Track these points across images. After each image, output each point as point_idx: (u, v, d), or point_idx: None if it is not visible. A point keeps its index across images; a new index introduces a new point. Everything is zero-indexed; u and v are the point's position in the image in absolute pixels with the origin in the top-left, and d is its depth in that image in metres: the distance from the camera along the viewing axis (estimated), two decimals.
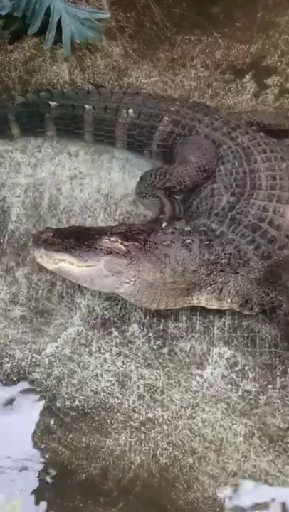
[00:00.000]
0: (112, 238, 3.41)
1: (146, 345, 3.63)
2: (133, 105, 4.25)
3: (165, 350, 3.62)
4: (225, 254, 3.50)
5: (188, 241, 3.49)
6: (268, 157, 3.88)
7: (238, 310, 3.60)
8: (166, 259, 3.44)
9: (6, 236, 4.00)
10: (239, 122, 4.20)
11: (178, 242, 3.48)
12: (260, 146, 3.96)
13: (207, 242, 3.50)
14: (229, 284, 3.51)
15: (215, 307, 3.61)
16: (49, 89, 4.45)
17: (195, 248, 3.48)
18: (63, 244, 3.44)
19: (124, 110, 4.23)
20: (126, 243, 3.42)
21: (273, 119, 4.40)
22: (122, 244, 3.41)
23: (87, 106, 4.26)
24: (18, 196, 4.16)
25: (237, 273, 3.51)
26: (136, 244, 3.43)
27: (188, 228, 3.59)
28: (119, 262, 3.39)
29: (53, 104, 4.27)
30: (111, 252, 3.40)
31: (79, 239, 3.45)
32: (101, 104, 4.28)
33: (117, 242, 3.41)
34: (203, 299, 3.56)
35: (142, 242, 3.45)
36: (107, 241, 3.41)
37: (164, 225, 3.71)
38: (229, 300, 3.55)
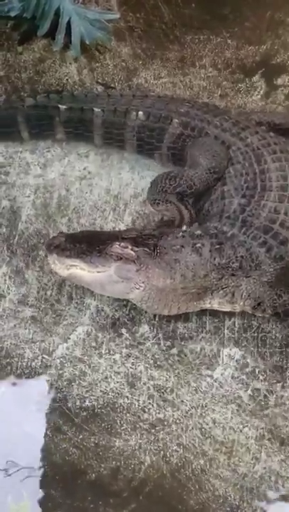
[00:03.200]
0: (123, 244, 3.38)
1: (156, 346, 3.62)
2: (142, 107, 4.23)
3: (175, 351, 3.61)
4: (236, 257, 3.46)
5: (199, 245, 3.45)
6: (278, 157, 3.85)
7: (250, 312, 3.58)
8: (176, 265, 3.40)
9: (17, 237, 4.01)
10: (249, 123, 4.17)
11: (188, 247, 3.44)
12: (269, 146, 3.93)
13: (218, 246, 3.46)
14: (241, 287, 3.48)
15: (227, 310, 3.59)
16: (58, 90, 4.44)
17: (206, 252, 3.44)
18: (75, 249, 3.41)
19: (134, 112, 4.22)
20: (136, 249, 3.39)
21: (284, 119, 4.38)
22: (131, 249, 3.38)
23: (96, 109, 4.25)
24: (28, 196, 4.18)
25: (249, 276, 3.47)
26: (145, 249, 3.40)
27: (198, 232, 3.53)
28: (129, 268, 3.37)
29: (62, 107, 4.26)
30: (121, 258, 3.37)
31: (91, 244, 3.42)
32: (110, 106, 4.26)
33: (127, 247, 3.38)
34: (215, 303, 3.54)
35: (152, 248, 3.41)
36: (117, 247, 3.38)
37: (184, 228, 3.62)
38: (241, 303, 3.53)
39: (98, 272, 3.39)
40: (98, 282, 3.43)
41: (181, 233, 3.51)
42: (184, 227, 3.63)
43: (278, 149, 3.91)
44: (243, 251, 3.47)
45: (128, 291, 3.42)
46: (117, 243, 3.38)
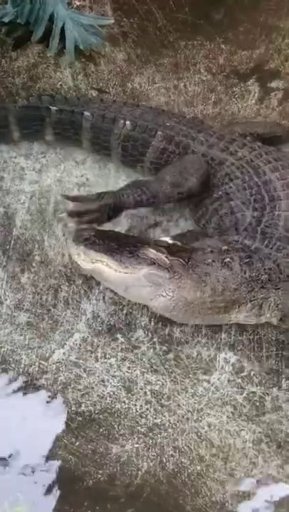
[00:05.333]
0: (158, 249, 3.36)
1: (152, 350, 3.62)
2: (131, 117, 4.21)
3: (171, 355, 3.61)
4: (265, 269, 3.44)
5: (228, 259, 3.42)
6: (275, 166, 3.84)
7: (275, 324, 3.57)
8: (207, 278, 3.36)
9: (12, 242, 4.00)
10: (234, 136, 4.15)
11: (218, 262, 3.40)
12: (262, 157, 3.92)
13: (247, 260, 3.44)
14: (270, 299, 3.46)
15: (252, 323, 3.58)
16: (52, 94, 4.45)
17: (236, 266, 3.41)
18: (105, 245, 3.38)
19: (122, 121, 4.20)
20: (170, 257, 3.36)
21: (266, 128, 4.37)
22: (166, 257, 3.35)
23: (86, 112, 4.24)
24: (23, 203, 4.17)
25: (278, 288, 3.45)
26: (180, 260, 3.36)
27: (225, 247, 3.49)
28: (161, 275, 3.33)
29: (53, 108, 4.27)
30: (154, 263, 3.34)
31: (121, 243, 3.41)
32: (100, 112, 4.25)
33: (163, 254, 3.35)
34: (241, 316, 3.51)
35: (186, 260, 3.38)
36: (152, 251, 3.35)
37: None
38: (268, 315, 3.51)
39: (125, 272, 3.36)
40: (123, 283, 3.39)
41: (209, 249, 3.47)
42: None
43: (272, 158, 3.91)
44: (270, 263, 3.45)
45: (152, 297, 3.38)
46: (152, 248, 3.37)
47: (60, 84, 4.70)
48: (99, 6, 4.90)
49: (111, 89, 4.68)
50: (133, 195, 3.92)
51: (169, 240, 3.56)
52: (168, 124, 4.18)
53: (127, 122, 4.19)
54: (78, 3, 4.89)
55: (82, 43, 4.56)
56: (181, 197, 3.94)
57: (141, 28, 4.91)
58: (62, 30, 4.53)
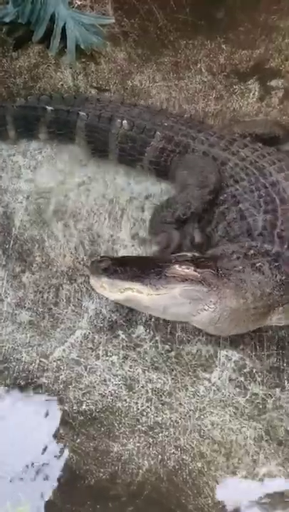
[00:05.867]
0: (184, 265, 3.28)
1: (154, 348, 3.61)
2: (128, 116, 4.20)
3: (172, 353, 3.60)
4: None
5: (259, 264, 3.38)
6: (280, 167, 3.82)
7: None
8: (244, 285, 3.31)
9: (11, 241, 4.00)
10: (234, 136, 4.14)
11: (249, 267, 3.37)
12: (265, 158, 3.91)
13: (276, 263, 3.41)
14: None
15: (283, 324, 3.55)
16: (51, 94, 4.46)
17: (267, 270, 3.37)
18: (128, 272, 3.27)
19: (118, 120, 4.19)
20: (199, 270, 3.30)
21: (264, 128, 4.37)
22: (195, 270, 3.29)
23: (81, 112, 4.24)
24: (21, 202, 4.17)
25: None
26: (211, 271, 3.31)
27: (251, 252, 3.44)
28: (198, 289, 3.26)
29: (49, 108, 4.27)
30: (186, 280, 3.28)
31: (143, 267, 3.30)
32: (96, 111, 4.24)
33: (190, 269, 3.29)
34: (274, 319, 3.48)
35: (215, 269, 3.33)
36: (178, 268, 3.28)
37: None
38: None
39: (158, 294, 3.27)
40: (160, 305, 3.31)
41: (235, 255, 3.43)
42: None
43: (275, 159, 3.89)
44: None
45: (195, 313, 3.32)
46: (177, 265, 3.30)
47: (61, 84, 4.71)
48: (100, 6, 4.93)
49: (111, 87, 4.69)
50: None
51: (188, 253, 3.49)
52: (166, 124, 4.17)
53: (124, 122, 4.18)
54: (79, 3, 4.91)
55: (83, 42, 4.58)
56: (210, 198, 3.86)
57: (142, 28, 4.93)
58: (64, 29, 4.56)
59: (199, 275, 3.28)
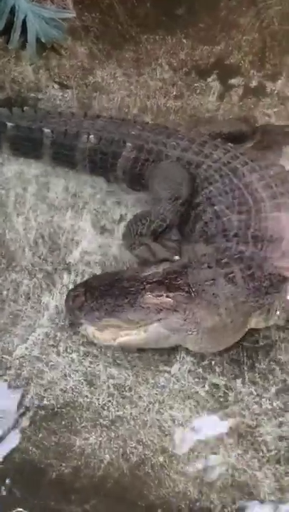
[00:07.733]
0: (155, 292, 3.28)
1: None
2: (93, 130, 4.15)
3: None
4: (265, 276, 3.42)
5: (232, 274, 3.37)
6: (252, 167, 3.83)
7: (283, 325, 3.60)
8: (217, 299, 3.31)
9: None
10: (204, 138, 4.12)
11: (220, 278, 3.35)
12: (238, 158, 3.91)
13: (248, 271, 3.40)
14: (275, 303, 3.46)
15: (262, 327, 3.59)
16: (10, 108, 4.31)
17: (239, 280, 3.36)
18: (103, 307, 3.24)
19: (85, 135, 4.14)
20: (171, 294, 3.27)
21: (231, 126, 4.39)
22: (167, 296, 3.28)
23: (45, 129, 4.16)
24: None
25: (279, 291, 3.45)
26: (181, 293, 3.29)
27: (224, 260, 3.42)
28: (176, 319, 3.27)
29: (9, 124, 4.18)
30: (161, 310, 3.27)
31: (116, 296, 3.25)
32: (61, 128, 4.17)
33: (162, 295, 3.27)
34: (253, 324, 3.51)
35: (186, 288, 3.30)
36: (150, 297, 3.27)
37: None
38: (276, 317, 3.52)
39: (139, 326, 3.28)
40: (151, 342, 3.35)
41: (206, 264, 3.40)
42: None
43: (248, 159, 3.89)
44: (268, 267, 3.44)
45: (183, 340, 3.35)
46: (148, 292, 3.28)
47: (22, 78, 4.67)
48: None
49: (72, 82, 4.67)
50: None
51: (155, 268, 3.42)
52: (134, 133, 4.13)
53: (91, 136, 4.13)
54: None
55: (43, 35, 4.55)
56: (184, 208, 3.89)
57: (102, 23, 4.91)
58: (24, 23, 4.50)
59: (172, 301, 3.27)
